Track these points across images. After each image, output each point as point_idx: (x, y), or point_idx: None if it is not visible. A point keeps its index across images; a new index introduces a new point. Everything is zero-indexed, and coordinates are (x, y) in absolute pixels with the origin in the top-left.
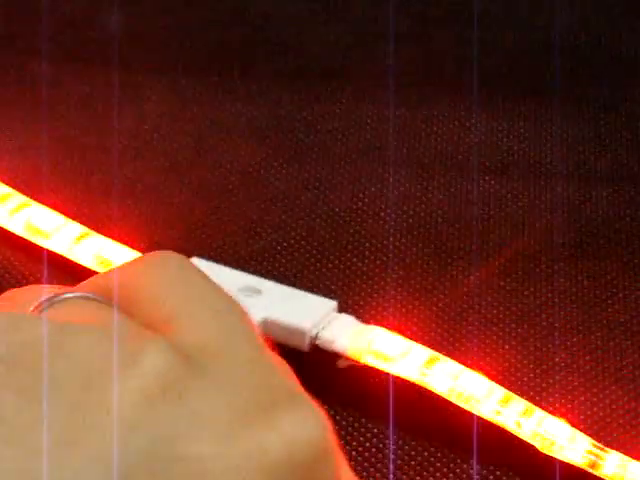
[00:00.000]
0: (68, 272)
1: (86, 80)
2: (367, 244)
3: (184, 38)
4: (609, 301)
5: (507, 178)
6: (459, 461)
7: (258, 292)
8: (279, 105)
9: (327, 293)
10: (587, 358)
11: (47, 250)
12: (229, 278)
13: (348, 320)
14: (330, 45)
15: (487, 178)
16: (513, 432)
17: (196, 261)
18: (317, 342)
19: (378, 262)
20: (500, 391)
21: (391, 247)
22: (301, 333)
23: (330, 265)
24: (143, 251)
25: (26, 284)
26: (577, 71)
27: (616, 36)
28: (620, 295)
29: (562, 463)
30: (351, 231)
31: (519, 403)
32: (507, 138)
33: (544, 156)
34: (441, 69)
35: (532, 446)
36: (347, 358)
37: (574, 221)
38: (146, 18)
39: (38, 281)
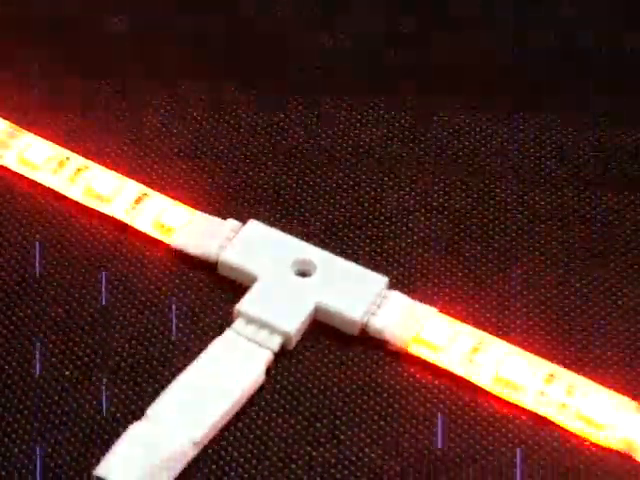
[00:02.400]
0: (129, 234)
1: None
2: None
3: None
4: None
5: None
6: (503, 449)
7: (312, 267)
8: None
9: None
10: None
11: (107, 215)
12: (284, 247)
13: (398, 301)
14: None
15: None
16: (556, 421)
17: (253, 225)
18: (367, 329)
19: None
20: (544, 370)
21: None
22: (352, 321)
23: None
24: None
25: (86, 246)
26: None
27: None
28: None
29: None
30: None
31: (563, 382)
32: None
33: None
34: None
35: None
36: (396, 346)
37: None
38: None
39: (99, 242)
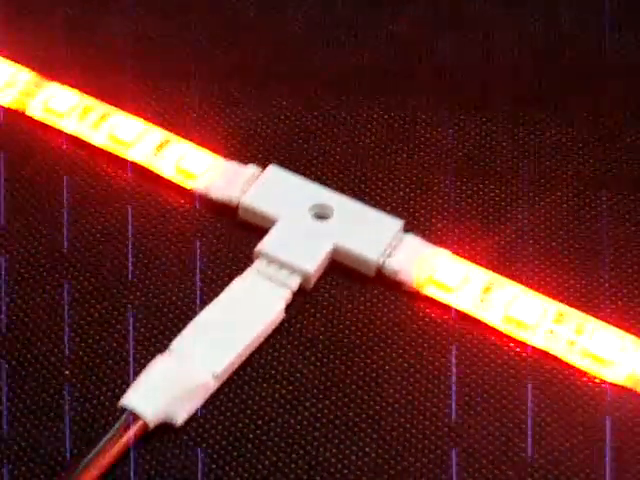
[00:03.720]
0: (152, 180)
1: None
2: None
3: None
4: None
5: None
6: (513, 386)
7: (329, 210)
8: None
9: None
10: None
11: (130, 160)
12: (303, 191)
13: (413, 243)
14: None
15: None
16: (564, 359)
17: (273, 170)
18: (383, 271)
19: None
20: (553, 309)
21: None
22: (368, 262)
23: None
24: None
25: (110, 191)
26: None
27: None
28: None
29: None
30: None
31: (571, 321)
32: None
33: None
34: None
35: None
36: (411, 286)
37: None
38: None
39: (123, 187)
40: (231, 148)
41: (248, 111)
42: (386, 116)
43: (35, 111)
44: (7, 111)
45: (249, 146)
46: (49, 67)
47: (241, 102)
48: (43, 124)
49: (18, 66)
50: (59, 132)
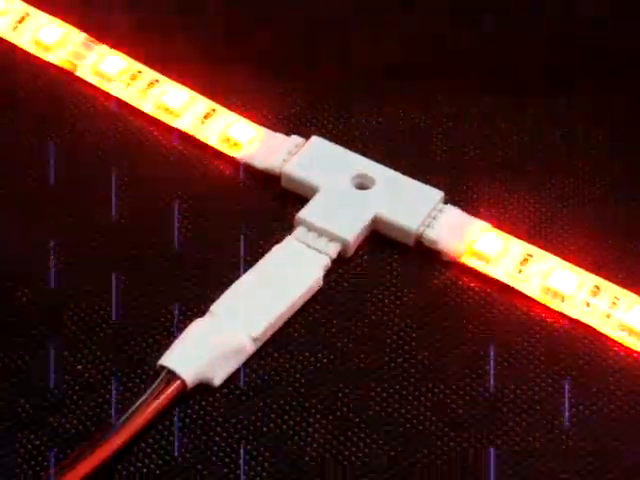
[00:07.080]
0: (197, 147)
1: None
2: None
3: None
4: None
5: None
6: (548, 359)
7: (370, 181)
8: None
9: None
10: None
11: (176, 128)
12: (345, 162)
13: (452, 214)
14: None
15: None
16: (600, 329)
17: (316, 140)
18: (422, 240)
19: None
20: (590, 282)
21: None
22: (408, 232)
23: None
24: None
25: (156, 157)
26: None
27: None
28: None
29: None
30: None
31: (607, 294)
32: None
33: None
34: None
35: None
36: (449, 256)
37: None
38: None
39: (169, 154)
40: (275, 119)
41: (293, 84)
42: (426, 93)
43: (84, 73)
44: (57, 70)
45: (293, 117)
46: (100, 30)
47: (286, 75)
48: (92, 85)
49: (69, 26)
50: (107, 95)
